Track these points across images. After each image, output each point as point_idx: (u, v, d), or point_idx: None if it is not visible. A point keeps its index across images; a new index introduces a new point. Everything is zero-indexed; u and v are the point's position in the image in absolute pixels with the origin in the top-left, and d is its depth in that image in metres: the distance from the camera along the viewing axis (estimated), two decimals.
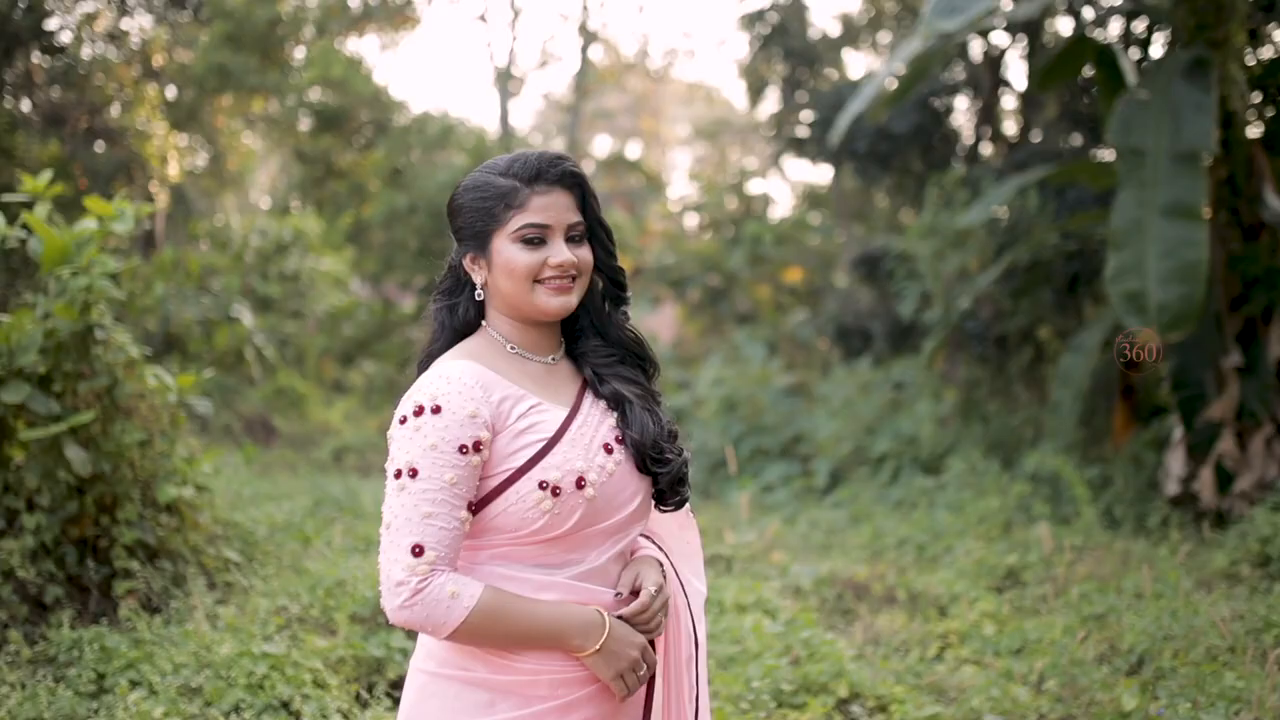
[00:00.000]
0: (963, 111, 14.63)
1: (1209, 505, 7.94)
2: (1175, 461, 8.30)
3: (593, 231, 2.36)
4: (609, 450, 2.27)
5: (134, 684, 4.59)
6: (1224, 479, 7.95)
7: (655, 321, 19.67)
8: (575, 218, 2.30)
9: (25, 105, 16.92)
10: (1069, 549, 7.12)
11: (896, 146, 13.07)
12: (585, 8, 21.38)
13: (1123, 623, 5.38)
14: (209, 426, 13.23)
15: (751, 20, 16.43)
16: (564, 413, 2.27)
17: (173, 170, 17.03)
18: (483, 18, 21.06)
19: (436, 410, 2.14)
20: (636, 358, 2.44)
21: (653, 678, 2.37)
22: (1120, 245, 7.66)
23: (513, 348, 2.32)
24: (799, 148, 15.96)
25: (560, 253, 2.26)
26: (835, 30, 17.27)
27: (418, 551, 2.10)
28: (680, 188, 27.59)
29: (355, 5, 18.44)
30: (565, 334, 2.43)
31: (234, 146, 19.40)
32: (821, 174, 20.06)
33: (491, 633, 2.14)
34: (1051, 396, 9.55)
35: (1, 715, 4.25)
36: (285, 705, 4.52)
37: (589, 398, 2.35)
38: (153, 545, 5.72)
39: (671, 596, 2.40)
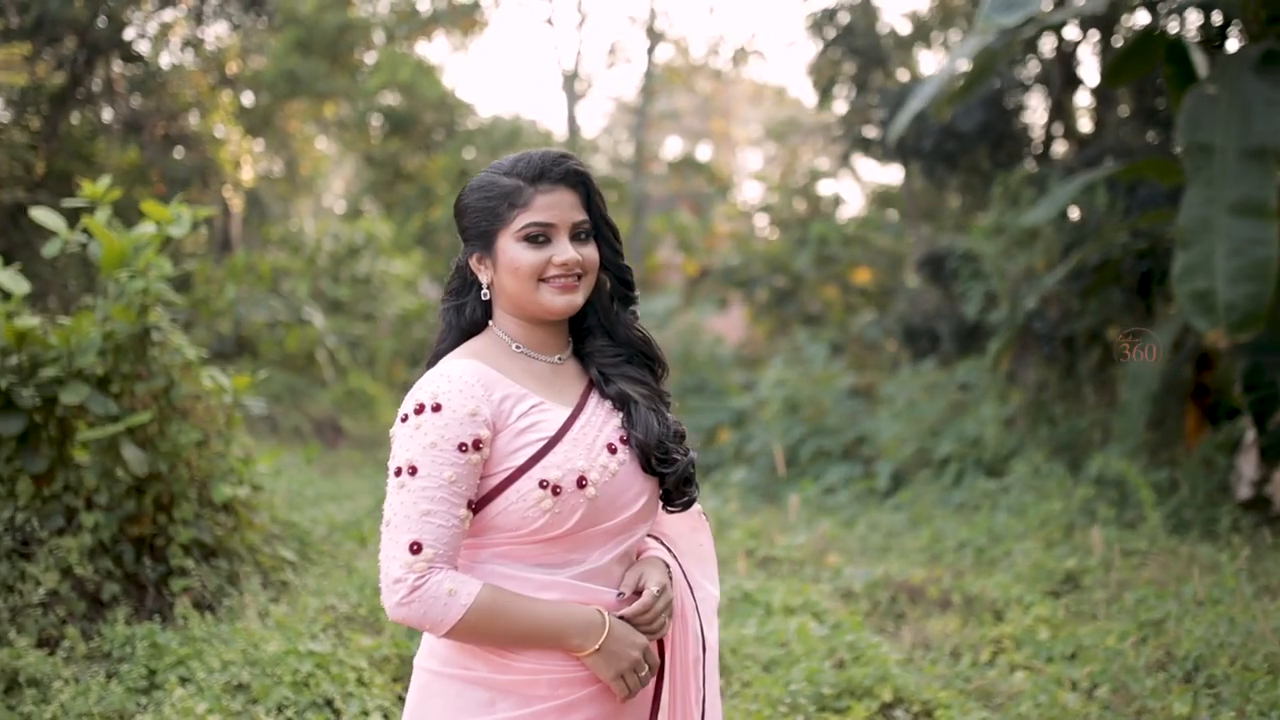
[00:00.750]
0: (1034, 109, 14.40)
1: None
2: (1247, 465, 8.10)
3: (599, 230, 2.34)
4: (613, 450, 2.26)
5: (184, 680, 4.66)
6: None
7: (723, 323, 19.63)
8: (580, 216, 2.29)
9: (107, 114, 17.33)
10: (1133, 553, 6.98)
11: (963, 145, 12.90)
12: (653, 10, 21.39)
13: (1180, 629, 5.25)
14: (278, 427, 13.45)
15: (820, 21, 16.32)
16: (567, 412, 2.26)
17: (246, 175, 17.33)
18: (550, 21, 21.17)
19: (437, 408, 2.14)
20: (645, 357, 2.43)
21: (660, 679, 2.36)
22: (1188, 243, 7.49)
23: (518, 347, 2.32)
24: (866, 147, 15.83)
25: (565, 251, 2.25)
26: (905, 29, 17.11)
27: (416, 549, 2.10)
28: (751, 188, 27.54)
29: (424, 9, 18.62)
30: (573, 333, 2.42)
31: (306, 151, 19.72)
32: (893, 174, 19.90)
33: (490, 631, 2.13)
34: (1120, 398, 9.36)
35: (54, 709, 4.34)
36: (329, 703, 4.57)
37: (594, 397, 2.34)
38: (209, 544, 5.82)
39: (678, 598, 2.38)
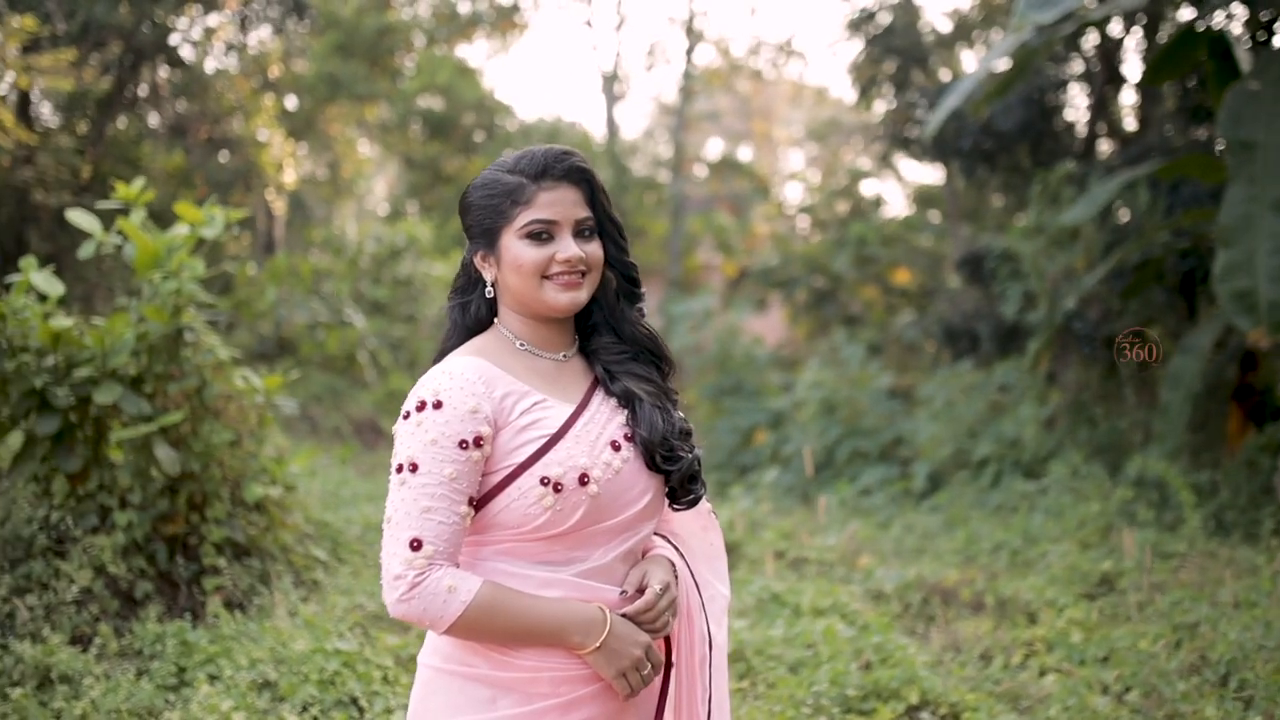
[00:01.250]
0: (1077, 106, 14.22)
1: None
2: None
3: (602, 227, 2.34)
4: (616, 447, 2.25)
5: (213, 678, 4.70)
6: None
7: (762, 324, 19.58)
8: (583, 213, 2.28)
9: (152, 119, 17.54)
10: (1171, 556, 6.88)
11: (1003, 144, 12.77)
12: (692, 11, 21.38)
13: (1215, 633, 5.17)
14: (318, 428, 13.54)
15: (860, 22, 16.22)
16: (570, 409, 2.25)
17: (289, 178, 17.49)
18: (589, 23, 21.20)
19: (438, 405, 2.14)
20: (651, 355, 2.42)
21: (667, 678, 2.35)
22: (1229, 242, 7.38)
23: (522, 344, 2.32)
24: (906, 146, 15.72)
25: (568, 248, 2.24)
26: (947, 28, 16.98)
27: (416, 545, 2.10)
28: (793, 189, 27.45)
29: (464, 11, 18.69)
30: (579, 331, 2.42)
31: (348, 154, 19.84)
32: (935, 174, 19.78)
33: (490, 628, 2.12)
34: (1162, 399, 9.22)
35: (84, 706, 4.39)
36: (354, 701, 4.59)
37: (599, 395, 2.33)
38: (241, 543, 5.87)
39: (684, 597, 2.37)
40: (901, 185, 21.94)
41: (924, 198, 20.19)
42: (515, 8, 18.93)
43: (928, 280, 17.55)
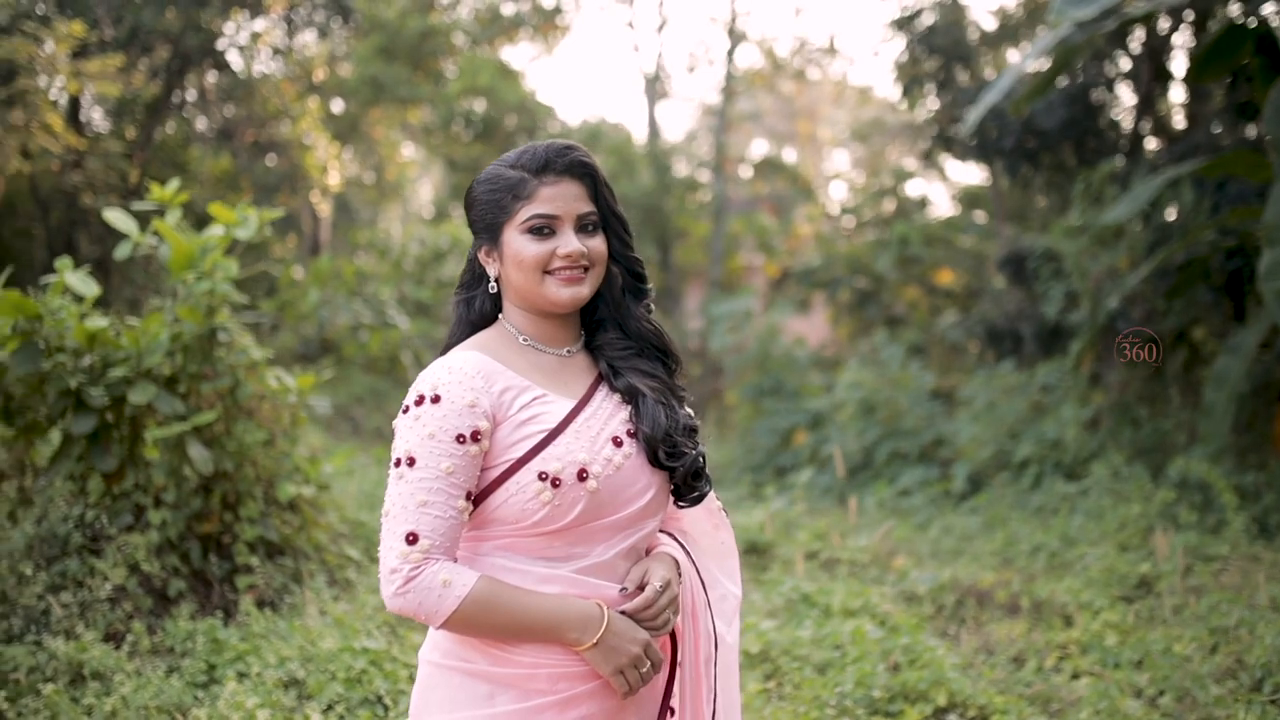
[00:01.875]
0: (1123, 104, 14.04)
1: None
2: None
3: (606, 222, 2.32)
4: (618, 443, 2.23)
5: (241, 676, 4.74)
6: None
7: (805, 325, 19.51)
8: (586, 208, 2.27)
9: (200, 123, 17.77)
10: (1213, 559, 6.77)
11: (1046, 142, 12.62)
12: (734, 11, 21.31)
13: (1251, 636, 5.07)
14: (360, 429, 13.63)
15: (904, 21, 16.11)
16: (571, 404, 2.24)
17: (334, 181, 17.64)
18: (631, 24, 21.19)
19: (436, 400, 2.14)
20: (657, 351, 2.40)
21: (672, 676, 2.33)
22: (1275, 240, 7.25)
23: (525, 340, 2.31)
24: (949, 146, 15.60)
25: (569, 243, 2.23)
26: (991, 26, 16.83)
27: (412, 540, 2.09)
28: (838, 189, 27.32)
29: (507, 14, 18.75)
30: (585, 326, 2.41)
31: (392, 157, 19.96)
32: (980, 174, 19.61)
33: (486, 623, 2.12)
34: (1206, 399, 9.07)
35: (114, 702, 4.43)
36: (379, 699, 4.61)
37: (603, 390, 2.32)
38: (275, 542, 5.91)
39: (689, 595, 2.35)
40: (946, 185, 21.78)
41: (969, 198, 20.03)
42: (557, 9, 18.97)
43: (972, 281, 17.41)
